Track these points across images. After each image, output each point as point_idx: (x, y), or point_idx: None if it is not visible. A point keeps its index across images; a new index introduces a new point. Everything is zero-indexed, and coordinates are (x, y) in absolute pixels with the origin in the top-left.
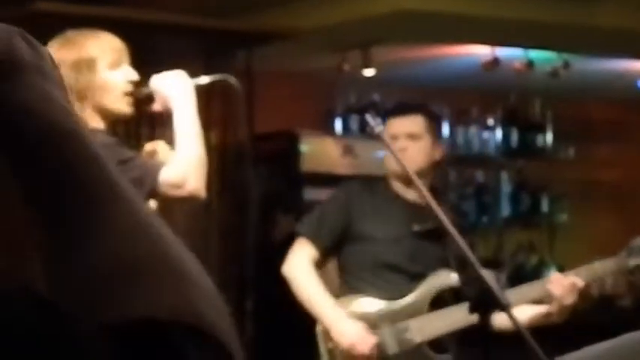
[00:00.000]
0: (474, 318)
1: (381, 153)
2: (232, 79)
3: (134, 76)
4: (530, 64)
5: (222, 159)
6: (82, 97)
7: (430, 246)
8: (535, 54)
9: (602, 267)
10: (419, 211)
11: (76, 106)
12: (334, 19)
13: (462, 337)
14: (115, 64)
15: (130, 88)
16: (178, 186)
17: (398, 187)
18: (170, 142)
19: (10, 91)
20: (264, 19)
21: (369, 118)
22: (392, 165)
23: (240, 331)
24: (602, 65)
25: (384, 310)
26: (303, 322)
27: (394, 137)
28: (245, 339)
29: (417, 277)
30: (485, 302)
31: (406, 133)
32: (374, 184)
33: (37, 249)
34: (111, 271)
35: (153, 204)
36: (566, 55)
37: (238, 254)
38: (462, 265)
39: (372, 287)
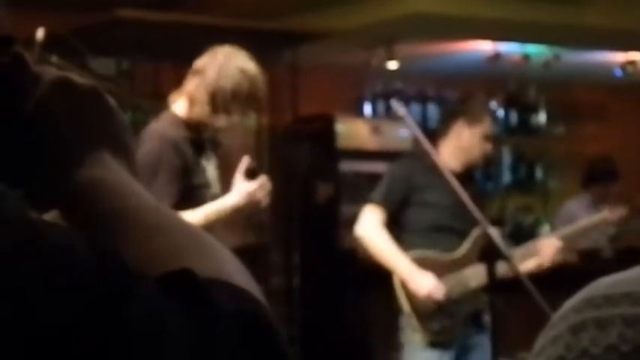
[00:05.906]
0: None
1: (403, 132)
2: None
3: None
4: (526, 57)
5: (271, 138)
6: (211, 114)
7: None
8: (530, 48)
9: (584, 224)
10: (463, 179)
11: (208, 112)
12: (363, 21)
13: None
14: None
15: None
16: None
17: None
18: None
19: None
20: (305, 22)
21: (393, 103)
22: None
23: (288, 282)
24: (586, 57)
25: (442, 261)
26: (341, 273)
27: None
28: (292, 289)
29: (465, 234)
30: (492, 254)
31: None
32: (426, 159)
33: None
34: (166, 252)
35: None
36: (556, 49)
37: (285, 218)
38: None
39: (430, 243)
